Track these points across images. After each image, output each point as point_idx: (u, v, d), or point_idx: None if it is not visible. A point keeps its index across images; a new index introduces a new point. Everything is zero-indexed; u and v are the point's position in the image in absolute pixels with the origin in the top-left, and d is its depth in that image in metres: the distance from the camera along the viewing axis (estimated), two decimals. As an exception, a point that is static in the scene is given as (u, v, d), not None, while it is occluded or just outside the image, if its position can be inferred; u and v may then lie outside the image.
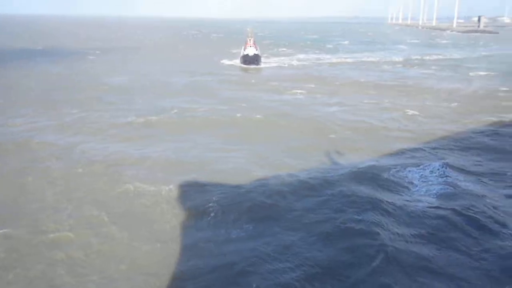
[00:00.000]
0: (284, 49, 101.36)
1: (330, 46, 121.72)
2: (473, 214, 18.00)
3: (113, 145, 28.17)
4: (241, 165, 24.73)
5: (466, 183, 21.72)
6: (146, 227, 18.04)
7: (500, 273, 14.46)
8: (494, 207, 19.07)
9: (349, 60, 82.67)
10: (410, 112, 37.25)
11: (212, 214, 18.89)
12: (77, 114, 36.02)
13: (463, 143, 28.35)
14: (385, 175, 22.61)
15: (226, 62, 77.44)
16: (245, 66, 70.49)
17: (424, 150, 26.77)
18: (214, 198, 20.23)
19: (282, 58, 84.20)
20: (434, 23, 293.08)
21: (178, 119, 35.12)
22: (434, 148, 27.17)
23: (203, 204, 19.78)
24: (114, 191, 21.11)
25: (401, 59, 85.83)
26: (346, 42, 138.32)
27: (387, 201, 19.43)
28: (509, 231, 16.90)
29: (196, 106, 39.39)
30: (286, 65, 74.02)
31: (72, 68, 68.32)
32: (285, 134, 30.88)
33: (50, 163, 24.58)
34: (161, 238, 17.24)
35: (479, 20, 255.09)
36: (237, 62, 74.93)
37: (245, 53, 72.01)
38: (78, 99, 42.14)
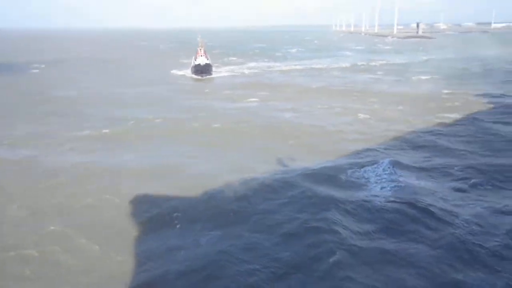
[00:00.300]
0: (234, 58, 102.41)
1: (279, 54, 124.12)
2: (426, 207, 19.43)
3: (73, 158, 27.87)
4: (203, 172, 25.20)
5: (417, 179, 23.31)
6: (115, 238, 18.08)
7: (455, 260, 15.74)
8: (444, 200, 20.66)
9: (298, 67, 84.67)
10: (362, 116, 39.00)
11: (179, 222, 19.26)
12: (31, 129, 35.14)
13: (412, 143, 30.18)
14: (343, 175, 23.87)
15: (176, 72, 76.90)
16: (197, 76, 69.55)
17: (377, 151, 28.27)
18: (180, 207, 20.63)
19: (233, 67, 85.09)
20: (376, 30, 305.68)
21: (136, 130, 35.04)
22: (386, 148, 28.76)
23: (170, 212, 20.11)
24: (79, 204, 20.97)
25: (348, 65, 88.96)
26: (294, 50, 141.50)
27: (346, 200, 20.58)
28: (460, 221, 18.36)
29: (152, 117, 39.32)
30: (238, 74, 74.74)
31: (19, 81, 66.14)
32: (245, 140, 31.56)
33: (9, 179, 24.03)
34: (131, 248, 17.38)
35: (417, 26, 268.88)
36: (187, 72, 74.30)
37: (196, 63, 70.92)
38: (31, 113, 41.12)
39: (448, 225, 18.12)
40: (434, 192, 21.61)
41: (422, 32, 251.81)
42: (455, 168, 24.76)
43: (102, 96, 51.89)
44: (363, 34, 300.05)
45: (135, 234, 18.45)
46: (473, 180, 22.97)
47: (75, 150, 29.79)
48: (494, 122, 35.20)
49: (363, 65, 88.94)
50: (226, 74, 74.47)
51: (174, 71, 78.11)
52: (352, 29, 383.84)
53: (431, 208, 19.43)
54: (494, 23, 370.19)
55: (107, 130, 34.46)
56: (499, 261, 15.65)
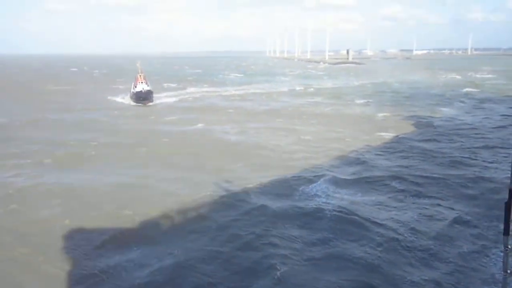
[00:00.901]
0: (174, 84, 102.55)
1: (217, 79, 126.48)
2: (370, 215, 22.04)
3: (21, 183, 28.04)
4: (158, 192, 26.15)
5: (360, 191, 25.97)
6: (76, 261, 18.55)
7: (398, 259, 18.12)
8: (385, 209, 23.40)
9: (238, 92, 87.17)
10: (306, 137, 41.55)
11: (139, 241, 20.12)
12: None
13: (353, 160, 32.96)
14: (292, 191, 26.01)
15: (115, 99, 75.22)
16: (137, 103, 67.63)
17: (323, 168, 30.67)
18: (138, 227, 21.58)
19: (173, 92, 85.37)
20: (308, 56, 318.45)
21: (81, 154, 35.38)
22: (331, 166, 31.23)
23: (127, 233, 21.00)
24: (36, 228, 21.31)
25: (286, 89, 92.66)
26: (232, 76, 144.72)
27: (298, 213, 22.71)
28: (399, 226, 21.04)
29: (96, 143, 39.44)
30: (179, 99, 75.35)
31: None
32: (196, 162, 32.82)
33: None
34: (91, 268, 17.95)
35: (347, 52, 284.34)
36: (126, 99, 72.81)
37: (137, 89, 69.05)
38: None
39: (390, 230, 20.60)
40: (376, 202, 24.28)
41: (352, 59, 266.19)
42: (394, 181, 27.62)
43: (38, 122, 50.94)
44: (296, 60, 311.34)
45: (95, 255, 18.99)
46: (408, 191, 25.93)
47: (21, 175, 29.67)
48: (426, 141, 39.11)
49: (301, 89, 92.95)
50: (167, 100, 74.41)
51: (111, 98, 76.68)
52: (285, 55, 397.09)
53: (375, 217, 21.97)
54: (416, 50, 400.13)
55: (50, 156, 34.45)
56: (433, 258, 18.22)
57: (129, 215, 22.63)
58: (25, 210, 23.74)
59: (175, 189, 26.52)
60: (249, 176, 28.82)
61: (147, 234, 20.90)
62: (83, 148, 37.46)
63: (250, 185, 26.99)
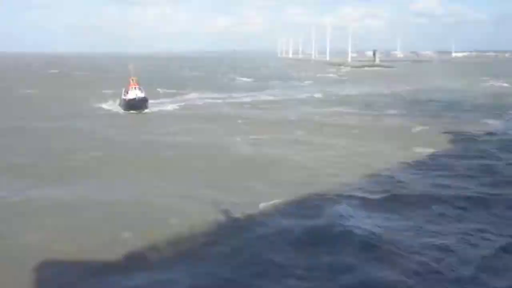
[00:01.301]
0: (174, 90, 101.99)
1: (222, 84, 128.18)
2: (409, 244, 22.97)
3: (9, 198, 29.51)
4: (159, 211, 27.35)
5: (395, 217, 26.72)
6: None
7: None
8: (426, 236, 24.11)
9: (248, 99, 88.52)
10: (330, 152, 42.43)
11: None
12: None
13: (385, 178, 33.97)
14: (316, 213, 26.99)
15: (102, 106, 76.35)
16: (129, 111, 67.54)
17: (349, 187, 31.58)
18: (139, 251, 22.41)
19: (172, 99, 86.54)
20: (327, 57, 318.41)
21: (70, 168, 36.71)
22: (360, 185, 32.12)
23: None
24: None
25: (303, 96, 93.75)
26: (238, 80, 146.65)
27: (321, 238, 23.66)
28: (444, 255, 21.75)
29: (86, 156, 40.58)
30: (179, 107, 76.73)
31: None
32: (205, 177, 34.11)
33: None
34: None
35: (374, 54, 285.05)
36: (115, 106, 73.25)
37: (130, 97, 68.43)
38: None
39: (428, 258, 21.38)
40: (412, 227, 25.19)
41: (379, 61, 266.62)
42: (432, 203, 28.39)
43: (19, 131, 52.42)
44: (313, 61, 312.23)
45: (91, 283, 19.91)
46: (449, 215, 26.80)
47: (2, 190, 30.92)
48: (469, 158, 40.06)
49: (321, 97, 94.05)
50: (165, 108, 75.32)
51: (97, 104, 77.41)
52: (300, 55, 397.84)
53: (411, 243, 22.92)
54: (455, 51, 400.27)
55: (34, 169, 36.05)
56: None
57: (128, 238, 23.57)
58: (8, 232, 24.60)
59: (180, 207, 27.59)
60: (265, 195, 29.72)
61: (149, 259, 21.77)
62: (72, 161, 38.77)
63: (267, 205, 27.99)
